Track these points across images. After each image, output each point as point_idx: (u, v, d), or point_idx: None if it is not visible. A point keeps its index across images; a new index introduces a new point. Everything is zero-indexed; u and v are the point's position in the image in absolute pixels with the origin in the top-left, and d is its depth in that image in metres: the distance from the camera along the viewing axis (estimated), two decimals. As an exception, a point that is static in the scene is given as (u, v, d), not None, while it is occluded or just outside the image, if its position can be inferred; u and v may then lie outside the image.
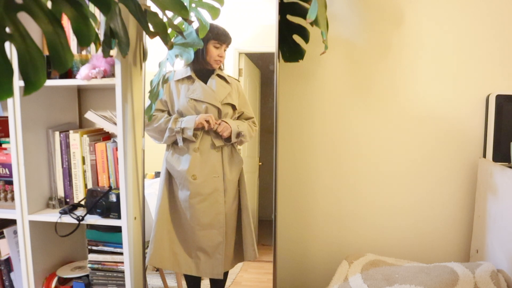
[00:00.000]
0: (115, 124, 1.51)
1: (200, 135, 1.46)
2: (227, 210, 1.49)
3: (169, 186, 1.51)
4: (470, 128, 1.60)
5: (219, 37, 1.46)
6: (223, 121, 1.47)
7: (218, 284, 1.56)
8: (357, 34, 1.64)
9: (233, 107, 1.51)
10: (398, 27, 1.61)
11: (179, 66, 1.51)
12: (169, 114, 1.51)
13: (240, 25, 1.52)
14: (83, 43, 0.84)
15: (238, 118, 1.53)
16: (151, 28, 1.14)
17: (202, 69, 1.50)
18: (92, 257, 1.55)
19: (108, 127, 1.65)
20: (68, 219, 1.48)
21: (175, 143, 1.48)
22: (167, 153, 1.50)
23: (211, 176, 1.46)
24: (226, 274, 1.56)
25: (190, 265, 1.50)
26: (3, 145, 1.60)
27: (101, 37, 1.29)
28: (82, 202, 1.56)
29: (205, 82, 1.49)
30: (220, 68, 1.52)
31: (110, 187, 1.53)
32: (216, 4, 1.29)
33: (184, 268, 1.50)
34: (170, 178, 1.51)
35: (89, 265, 1.55)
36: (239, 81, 1.55)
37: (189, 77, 1.49)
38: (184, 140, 1.46)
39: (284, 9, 1.51)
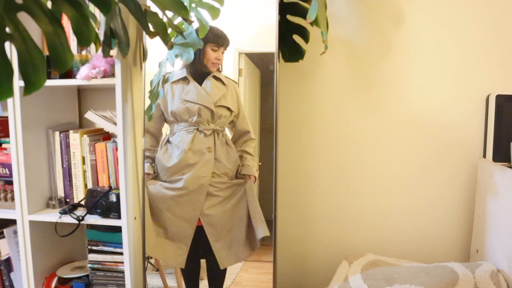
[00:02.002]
0: (115, 124, 1.51)
1: (192, 137, 1.47)
2: (220, 209, 1.50)
3: (158, 180, 1.54)
4: (470, 128, 1.60)
5: (217, 39, 1.46)
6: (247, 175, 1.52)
7: (216, 284, 1.56)
8: (357, 34, 1.64)
9: (229, 109, 1.51)
10: (398, 27, 1.61)
11: (176, 68, 1.51)
12: (164, 117, 1.53)
13: (240, 25, 1.52)
14: (83, 43, 0.84)
15: (236, 132, 1.54)
16: (151, 28, 1.14)
17: (199, 71, 1.50)
18: (92, 257, 1.55)
19: (108, 127, 1.65)
20: (68, 219, 1.48)
21: (168, 141, 1.51)
22: (159, 151, 1.52)
23: (198, 175, 1.48)
24: (224, 272, 1.56)
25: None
26: (3, 145, 1.60)
27: (101, 37, 1.29)
28: (82, 202, 1.56)
29: (201, 84, 1.49)
30: (218, 70, 1.51)
31: (110, 187, 1.53)
32: (216, 4, 1.29)
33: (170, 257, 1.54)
34: (156, 176, 1.54)
35: (89, 265, 1.55)
36: (236, 82, 1.55)
37: (184, 78, 1.49)
38: (179, 140, 1.49)
39: (284, 9, 1.51)
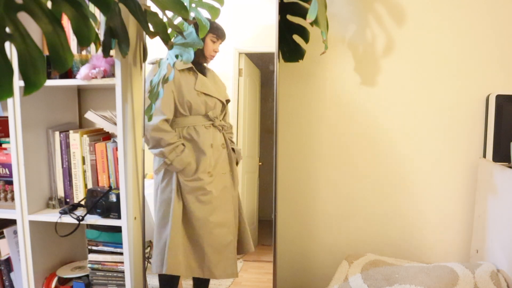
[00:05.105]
0: (115, 124, 1.51)
1: (212, 133, 1.45)
2: (234, 207, 1.48)
3: (180, 189, 1.46)
4: (470, 128, 1.60)
5: (217, 31, 1.46)
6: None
7: (202, 285, 1.55)
8: (357, 34, 1.64)
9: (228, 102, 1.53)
10: (398, 27, 1.61)
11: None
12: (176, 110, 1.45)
13: (240, 25, 1.52)
14: (83, 43, 0.84)
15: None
16: (151, 28, 1.15)
17: (198, 62, 1.49)
18: (92, 257, 1.55)
19: (108, 127, 1.65)
20: (68, 219, 1.48)
21: (188, 140, 1.45)
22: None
23: (221, 173, 1.46)
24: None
25: (202, 268, 1.46)
26: (3, 145, 1.60)
27: (101, 37, 1.29)
28: (82, 202, 1.56)
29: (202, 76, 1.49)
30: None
31: (110, 187, 1.53)
32: (216, 4, 1.29)
33: (197, 271, 1.46)
34: (178, 181, 1.46)
35: (89, 265, 1.55)
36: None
37: (190, 69, 1.47)
38: (198, 135, 1.46)
39: (284, 9, 1.51)
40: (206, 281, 1.54)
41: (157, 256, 1.45)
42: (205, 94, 1.44)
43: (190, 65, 1.46)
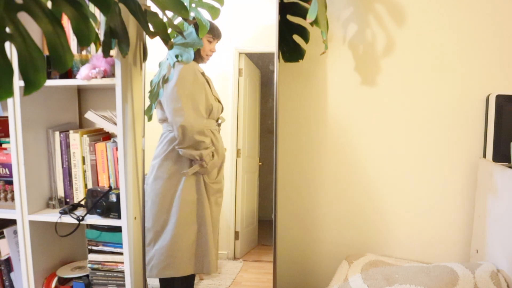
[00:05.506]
0: (115, 124, 1.51)
1: (220, 137, 1.48)
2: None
3: (198, 190, 1.47)
4: (470, 128, 1.60)
5: (213, 31, 1.46)
6: None
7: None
8: (357, 34, 1.64)
9: None
10: (398, 28, 1.61)
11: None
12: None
13: (240, 25, 1.52)
14: (83, 43, 0.84)
15: None
16: (151, 28, 1.15)
17: (196, 64, 1.50)
18: (92, 257, 1.55)
19: (108, 127, 1.65)
20: (68, 219, 1.48)
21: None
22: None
23: (222, 177, 1.51)
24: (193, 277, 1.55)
25: (201, 265, 1.49)
26: (3, 145, 1.60)
27: (101, 37, 1.29)
28: (82, 202, 1.56)
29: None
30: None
31: (110, 187, 1.53)
32: (216, 4, 1.29)
33: (195, 268, 1.49)
34: (205, 183, 1.47)
35: (89, 265, 1.55)
36: None
37: (203, 73, 1.48)
38: (215, 139, 1.49)
39: (284, 9, 1.52)
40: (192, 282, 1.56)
41: (183, 257, 1.46)
42: (218, 99, 1.47)
43: (202, 69, 1.47)
